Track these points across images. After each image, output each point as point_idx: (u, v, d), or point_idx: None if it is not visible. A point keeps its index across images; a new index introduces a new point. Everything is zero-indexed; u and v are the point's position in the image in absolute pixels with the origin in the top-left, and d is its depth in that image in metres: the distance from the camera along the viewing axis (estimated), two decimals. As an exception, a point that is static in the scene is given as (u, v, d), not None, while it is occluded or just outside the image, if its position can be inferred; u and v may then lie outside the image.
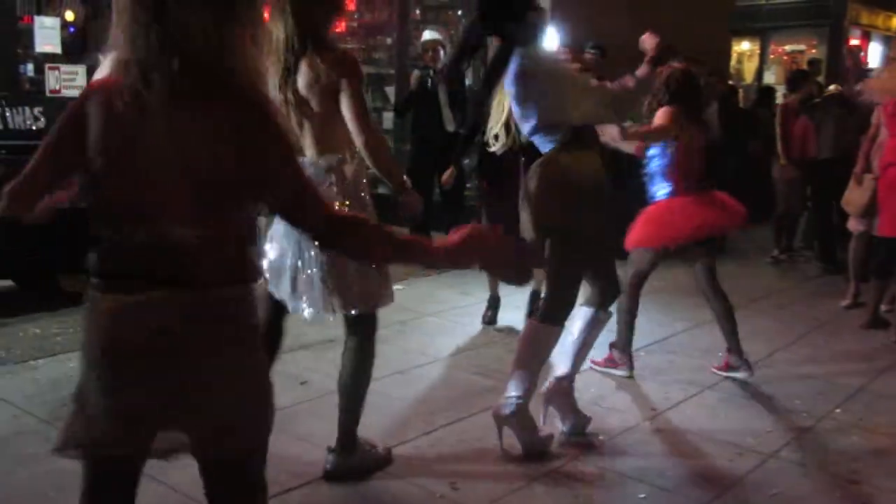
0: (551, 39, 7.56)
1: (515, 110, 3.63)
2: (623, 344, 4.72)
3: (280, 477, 3.36)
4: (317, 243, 2.11)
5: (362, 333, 3.39)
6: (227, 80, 1.71)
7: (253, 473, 1.94)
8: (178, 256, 1.73)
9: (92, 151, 1.75)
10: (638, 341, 5.18)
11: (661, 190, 4.61)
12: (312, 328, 5.13)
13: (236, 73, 1.71)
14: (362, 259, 2.21)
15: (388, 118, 9.82)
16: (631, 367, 4.69)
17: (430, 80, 7.14)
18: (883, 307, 6.14)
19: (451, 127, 7.22)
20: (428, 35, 7.31)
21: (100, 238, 1.79)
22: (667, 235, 4.56)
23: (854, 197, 6.18)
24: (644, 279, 4.74)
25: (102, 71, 2.00)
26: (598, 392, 4.42)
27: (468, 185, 8.33)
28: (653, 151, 4.59)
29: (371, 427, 3.88)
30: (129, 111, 1.70)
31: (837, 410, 4.29)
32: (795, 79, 8.82)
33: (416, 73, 7.30)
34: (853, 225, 6.30)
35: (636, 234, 4.60)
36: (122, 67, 1.71)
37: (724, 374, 4.68)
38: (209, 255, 1.75)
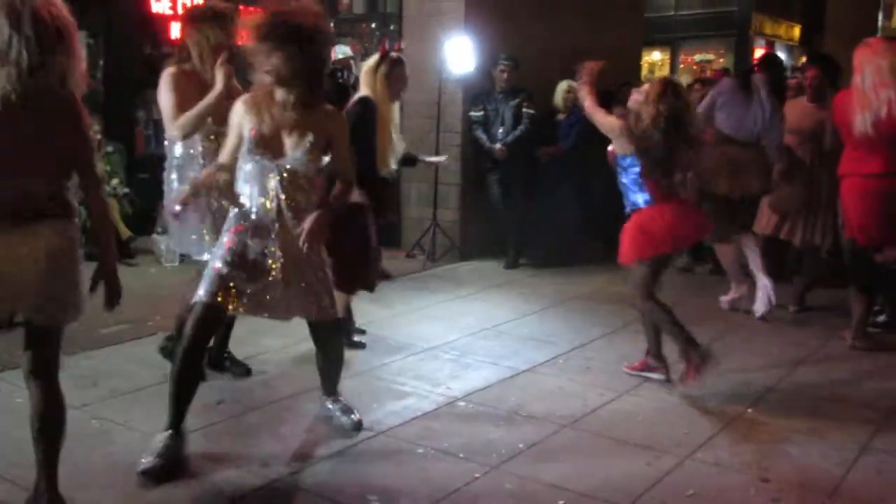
0: (463, 51, 7.66)
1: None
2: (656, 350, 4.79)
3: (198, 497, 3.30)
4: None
5: None
6: (58, 91, 2.82)
7: (59, 338, 3.02)
8: (32, 200, 2.78)
9: None
10: (556, 348, 5.26)
11: (640, 198, 4.62)
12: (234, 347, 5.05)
13: (61, 86, 2.83)
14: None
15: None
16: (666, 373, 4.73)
17: (341, 76, 7.13)
18: (791, 308, 6.35)
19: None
20: (339, 53, 7.31)
21: None
22: (663, 242, 4.56)
23: (787, 195, 6.26)
24: (653, 286, 4.65)
25: None
26: (517, 401, 4.44)
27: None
28: (627, 161, 4.60)
29: (287, 441, 3.83)
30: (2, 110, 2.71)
31: (749, 410, 4.40)
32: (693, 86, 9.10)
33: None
34: (767, 227, 6.44)
35: (632, 247, 4.60)
36: None
37: (638, 373, 4.79)
38: (51, 199, 2.83)
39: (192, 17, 4.34)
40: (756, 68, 6.45)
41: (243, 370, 4.71)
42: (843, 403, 4.56)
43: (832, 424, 4.24)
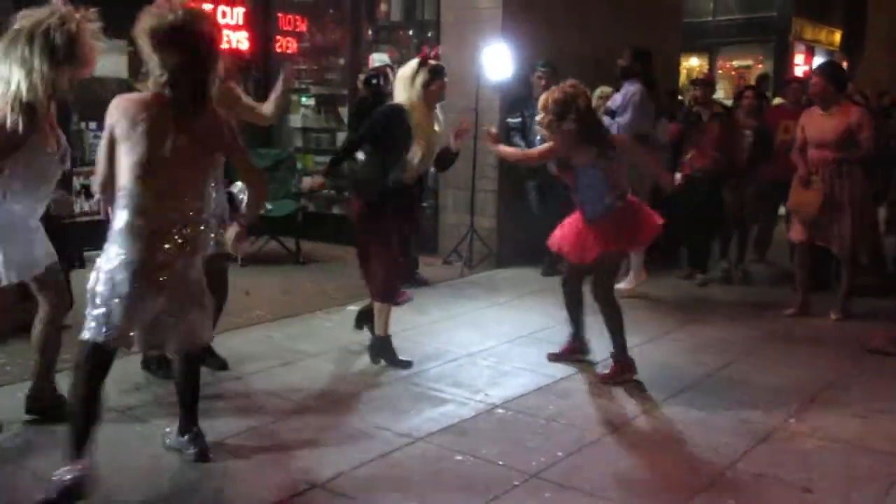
0: (501, 58, 7.67)
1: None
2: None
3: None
4: None
5: None
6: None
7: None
8: None
9: None
10: (594, 356, 5.23)
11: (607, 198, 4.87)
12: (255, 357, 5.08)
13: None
14: None
15: (342, 138, 9.81)
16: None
17: (376, 82, 7.10)
18: (791, 310, 6.42)
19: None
20: (376, 61, 7.35)
21: None
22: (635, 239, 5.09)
23: (805, 199, 6.26)
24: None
25: None
26: (555, 409, 4.43)
27: (425, 204, 8.37)
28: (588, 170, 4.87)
29: (325, 447, 3.86)
30: None
31: (791, 420, 4.35)
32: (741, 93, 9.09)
33: (361, 78, 7.32)
34: (796, 234, 6.39)
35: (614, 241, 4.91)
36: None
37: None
38: None
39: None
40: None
41: (220, 363, 4.81)
42: (886, 413, 4.48)
43: (875, 435, 4.18)
